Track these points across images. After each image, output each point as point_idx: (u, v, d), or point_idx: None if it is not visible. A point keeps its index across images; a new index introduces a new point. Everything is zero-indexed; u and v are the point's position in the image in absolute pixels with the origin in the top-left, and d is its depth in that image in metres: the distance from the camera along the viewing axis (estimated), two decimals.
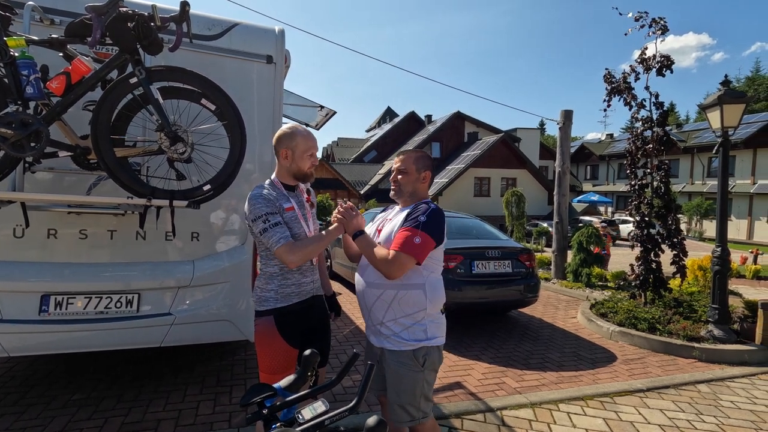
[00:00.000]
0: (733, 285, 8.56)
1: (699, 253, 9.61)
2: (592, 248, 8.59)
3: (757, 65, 57.13)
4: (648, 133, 6.11)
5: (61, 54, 2.39)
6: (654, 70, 5.97)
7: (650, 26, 6.00)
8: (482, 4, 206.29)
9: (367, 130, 48.12)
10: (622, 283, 8.15)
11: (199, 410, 3.16)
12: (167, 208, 2.51)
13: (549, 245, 12.99)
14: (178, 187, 2.55)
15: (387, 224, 2.08)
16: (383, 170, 30.51)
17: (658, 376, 4.15)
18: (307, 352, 1.22)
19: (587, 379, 4.01)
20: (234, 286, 3.22)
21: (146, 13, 2.24)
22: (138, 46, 2.28)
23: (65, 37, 2.31)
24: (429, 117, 36.75)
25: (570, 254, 9.11)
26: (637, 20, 6.09)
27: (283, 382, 1.17)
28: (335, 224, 2.00)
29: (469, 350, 4.75)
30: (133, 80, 2.29)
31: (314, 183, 2.28)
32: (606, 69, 6.45)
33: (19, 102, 2.19)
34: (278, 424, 1.07)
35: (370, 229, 2.15)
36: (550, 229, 14.02)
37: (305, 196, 2.13)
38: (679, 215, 9.73)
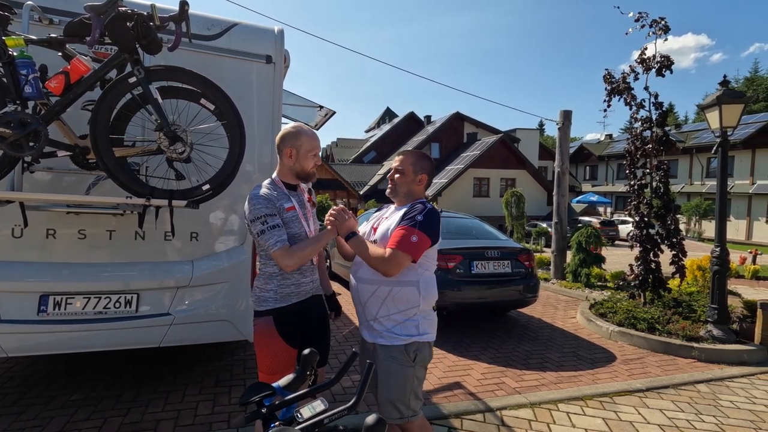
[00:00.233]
0: (732, 285, 8.58)
1: (698, 254, 9.63)
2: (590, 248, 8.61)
3: (755, 66, 57.27)
4: (647, 133, 6.12)
5: (59, 53, 2.38)
6: (653, 70, 5.99)
7: (650, 26, 6.01)
8: (483, 5, 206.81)
9: (367, 131, 48.14)
10: (621, 283, 8.16)
11: (198, 410, 3.16)
12: (166, 208, 2.51)
13: (548, 245, 12.99)
14: (177, 187, 2.54)
15: (383, 222, 2.10)
16: (383, 171, 30.50)
17: (657, 376, 4.16)
18: (306, 351, 1.22)
19: (586, 379, 4.01)
20: (233, 286, 3.22)
21: (145, 13, 2.24)
22: (137, 45, 2.28)
23: (64, 37, 2.31)
24: (428, 117, 36.75)
25: (569, 254, 9.13)
26: (637, 20, 6.11)
27: (282, 382, 1.16)
28: (328, 227, 2.02)
29: (469, 350, 4.75)
30: (132, 80, 2.29)
31: (314, 183, 2.28)
32: (606, 69, 6.47)
33: (17, 101, 2.19)
34: (277, 423, 1.07)
35: (365, 227, 2.17)
36: (549, 229, 14.02)
37: (306, 195, 2.13)
38: (678, 215, 9.74)
